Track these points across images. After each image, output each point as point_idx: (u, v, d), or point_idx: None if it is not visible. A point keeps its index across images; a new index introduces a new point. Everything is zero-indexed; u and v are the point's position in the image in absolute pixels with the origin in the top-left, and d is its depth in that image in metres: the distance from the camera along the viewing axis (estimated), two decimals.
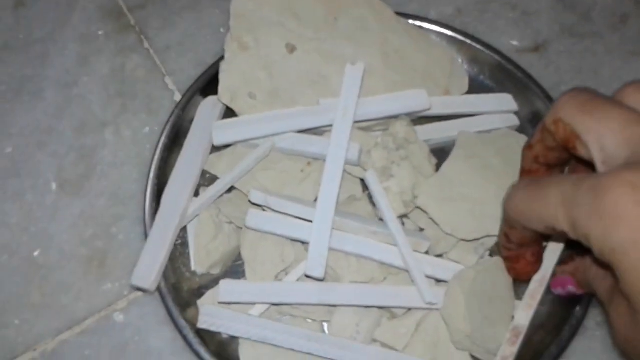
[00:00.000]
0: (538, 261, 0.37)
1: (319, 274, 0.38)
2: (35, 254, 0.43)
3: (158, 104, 0.48)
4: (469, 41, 0.48)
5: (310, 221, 0.40)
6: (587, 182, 0.25)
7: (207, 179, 0.44)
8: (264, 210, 0.41)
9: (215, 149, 0.44)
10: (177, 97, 0.48)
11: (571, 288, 0.38)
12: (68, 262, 0.43)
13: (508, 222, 0.33)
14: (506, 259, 0.38)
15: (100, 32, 0.51)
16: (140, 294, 0.42)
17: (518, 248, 0.35)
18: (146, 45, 0.50)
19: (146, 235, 0.42)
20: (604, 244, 0.24)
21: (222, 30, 0.50)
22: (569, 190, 0.26)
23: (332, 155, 0.41)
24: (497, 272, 0.39)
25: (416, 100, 0.43)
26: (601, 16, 0.53)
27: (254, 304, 0.40)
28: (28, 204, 0.44)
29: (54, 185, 0.45)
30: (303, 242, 0.41)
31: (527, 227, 0.31)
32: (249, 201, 0.41)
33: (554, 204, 0.27)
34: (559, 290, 0.39)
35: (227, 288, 0.40)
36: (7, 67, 0.49)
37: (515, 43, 0.51)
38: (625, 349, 0.28)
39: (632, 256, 0.23)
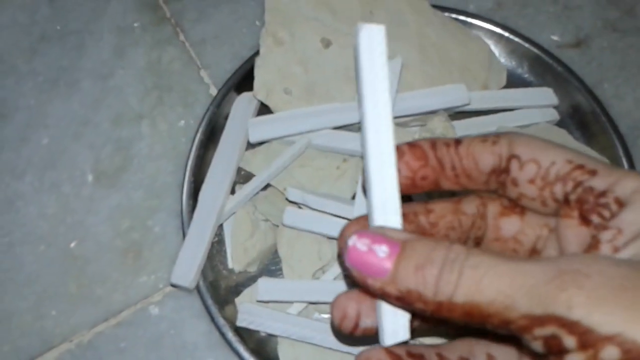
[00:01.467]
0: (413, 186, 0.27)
1: None
2: (72, 245, 0.43)
3: (193, 97, 0.48)
4: (507, 34, 0.47)
5: (348, 219, 0.39)
6: None
7: (242, 176, 0.44)
8: (300, 208, 0.41)
9: (250, 145, 0.44)
10: (213, 90, 0.48)
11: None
12: (104, 254, 0.43)
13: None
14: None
15: (136, 24, 0.51)
16: (176, 288, 0.42)
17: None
18: (182, 37, 0.50)
19: (183, 229, 0.42)
20: None
21: (257, 23, 0.50)
22: None
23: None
24: None
25: (455, 95, 0.42)
26: None
27: (292, 302, 0.40)
28: (65, 196, 0.45)
29: (90, 177, 0.45)
30: None
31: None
32: (286, 199, 0.41)
33: None
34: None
35: (266, 286, 0.40)
36: (44, 58, 0.49)
37: (556, 38, 0.50)
38: None
39: None
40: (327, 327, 0.39)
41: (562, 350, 0.19)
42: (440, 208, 0.27)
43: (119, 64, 0.49)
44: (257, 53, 0.45)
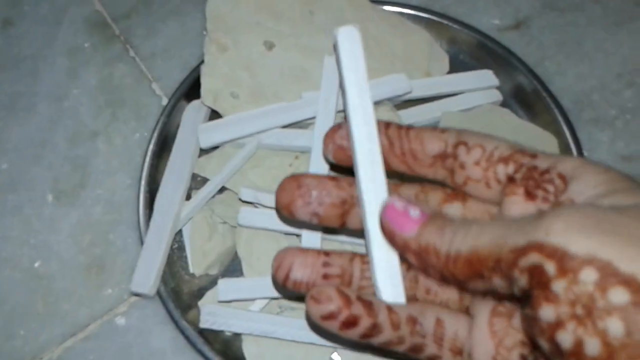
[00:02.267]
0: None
1: None
2: (36, 264, 0.44)
3: (147, 110, 0.49)
4: (445, 22, 0.48)
5: None
6: None
7: (197, 181, 0.45)
8: (255, 207, 0.42)
9: (204, 151, 0.45)
10: (165, 102, 0.49)
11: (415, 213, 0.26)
12: (68, 271, 0.44)
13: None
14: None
15: (86, 44, 0.52)
16: (140, 297, 0.43)
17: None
18: (132, 53, 0.51)
19: (142, 241, 0.42)
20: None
21: (204, 33, 0.51)
22: None
23: (317, 147, 0.41)
24: None
25: (396, 84, 0.43)
26: None
27: (253, 299, 0.41)
28: (26, 217, 0.45)
29: (50, 197, 0.46)
30: (297, 235, 0.42)
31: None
32: (240, 199, 0.42)
33: None
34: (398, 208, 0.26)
35: (226, 286, 0.40)
36: (0, 86, 0.50)
37: (496, 22, 0.51)
38: None
39: None
40: (289, 321, 0.39)
41: (545, 280, 0.19)
42: None
43: (72, 85, 0.50)
44: (203, 62, 0.46)
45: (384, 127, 0.28)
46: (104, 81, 0.50)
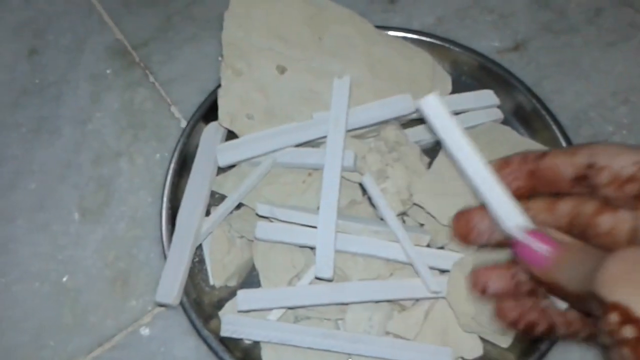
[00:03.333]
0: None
1: (327, 274, 0.41)
2: (64, 279, 0.46)
3: (166, 131, 0.51)
4: (447, 45, 0.51)
5: (315, 227, 0.43)
6: None
7: (216, 198, 0.48)
8: (271, 221, 0.44)
9: (221, 170, 0.47)
10: (183, 124, 0.51)
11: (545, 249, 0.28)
12: (94, 284, 0.46)
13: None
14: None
15: (108, 71, 0.55)
16: (163, 308, 0.45)
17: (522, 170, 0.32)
18: (151, 79, 0.54)
19: (164, 254, 0.45)
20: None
21: (219, 58, 0.54)
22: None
23: (329, 163, 0.44)
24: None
25: (401, 104, 0.46)
26: (576, 11, 0.55)
27: (270, 309, 0.43)
28: (54, 234, 0.48)
29: (76, 215, 0.49)
30: (311, 248, 0.44)
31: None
32: (257, 214, 0.44)
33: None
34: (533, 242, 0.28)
35: (245, 297, 0.43)
36: (26, 110, 0.53)
37: (496, 44, 0.54)
38: None
39: None
40: (306, 329, 0.42)
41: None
42: (537, 206, 0.31)
43: (95, 109, 0.53)
44: (220, 85, 0.48)
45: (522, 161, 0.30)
46: (125, 105, 0.53)
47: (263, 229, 0.44)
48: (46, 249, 0.48)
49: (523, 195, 0.30)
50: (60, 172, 0.50)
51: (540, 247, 0.27)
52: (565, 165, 0.29)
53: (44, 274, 0.47)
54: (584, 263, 0.25)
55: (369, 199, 0.45)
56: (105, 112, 0.53)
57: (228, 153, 0.46)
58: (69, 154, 0.51)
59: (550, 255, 0.27)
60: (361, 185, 0.46)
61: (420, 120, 0.48)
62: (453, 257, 0.43)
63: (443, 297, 0.42)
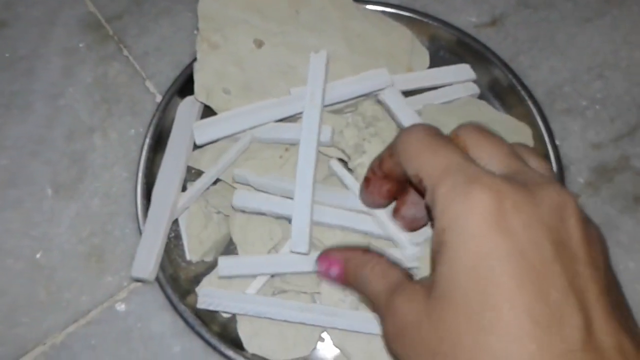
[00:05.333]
0: (387, 198, 0.37)
1: (303, 249, 0.41)
2: (38, 255, 0.46)
3: (141, 106, 0.51)
4: (425, 20, 0.51)
5: (291, 198, 0.42)
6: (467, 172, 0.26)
7: (192, 174, 0.47)
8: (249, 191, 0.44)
9: (197, 145, 0.47)
10: (158, 98, 0.51)
11: (334, 272, 0.33)
12: (69, 261, 0.46)
13: (392, 150, 0.32)
14: (365, 179, 0.37)
15: (81, 44, 0.54)
16: (139, 283, 0.45)
17: (381, 177, 0.35)
18: (125, 52, 0.53)
19: (140, 230, 0.44)
20: (443, 220, 0.26)
21: (195, 32, 0.53)
22: (454, 166, 0.27)
23: (305, 138, 0.44)
24: None
25: (378, 79, 0.45)
26: None
27: (251, 275, 0.43)
28: (27, 210, 0.47)
29: (49, 191, 0.48)
30: (289, 220, 0.44)
31: (402, 166, 0.30)
32: (233, 180, 0.44)
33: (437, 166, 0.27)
34: (322, 268, 0.34)
35: (226, 263, 0.43)
36: None
37: (473, 19, 0.54)
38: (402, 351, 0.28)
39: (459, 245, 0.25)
40: (281, 302, 0.42)
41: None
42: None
43: (68, 83, 0.52)
44: (196, 59, 0.48)
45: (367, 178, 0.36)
46: (98, 79, 0.52)
47: (241, 197, 0.43)
48: (19, 226, 0.47)
49: (399, 192, 0.36)
50: (33, 147, 0.49)
51: (328, 269, 0.33)
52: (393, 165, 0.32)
53: (17, 250, 0.46)
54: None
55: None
56: (78, 86, 0.52)
57: (205, 130, 0.46)
58: (41, 130, 0.50)
59: (340, 272, 0.33)
60: (340, 160, 0.46)
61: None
62: (428, 230, 0.43)
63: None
